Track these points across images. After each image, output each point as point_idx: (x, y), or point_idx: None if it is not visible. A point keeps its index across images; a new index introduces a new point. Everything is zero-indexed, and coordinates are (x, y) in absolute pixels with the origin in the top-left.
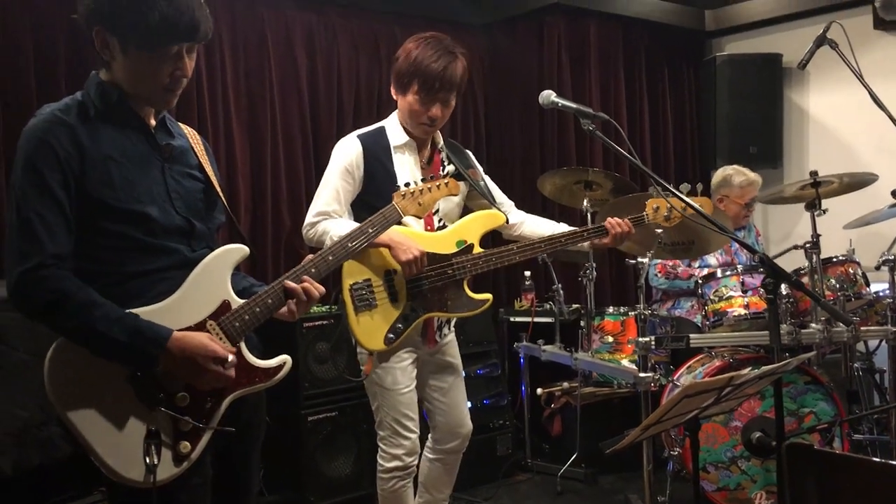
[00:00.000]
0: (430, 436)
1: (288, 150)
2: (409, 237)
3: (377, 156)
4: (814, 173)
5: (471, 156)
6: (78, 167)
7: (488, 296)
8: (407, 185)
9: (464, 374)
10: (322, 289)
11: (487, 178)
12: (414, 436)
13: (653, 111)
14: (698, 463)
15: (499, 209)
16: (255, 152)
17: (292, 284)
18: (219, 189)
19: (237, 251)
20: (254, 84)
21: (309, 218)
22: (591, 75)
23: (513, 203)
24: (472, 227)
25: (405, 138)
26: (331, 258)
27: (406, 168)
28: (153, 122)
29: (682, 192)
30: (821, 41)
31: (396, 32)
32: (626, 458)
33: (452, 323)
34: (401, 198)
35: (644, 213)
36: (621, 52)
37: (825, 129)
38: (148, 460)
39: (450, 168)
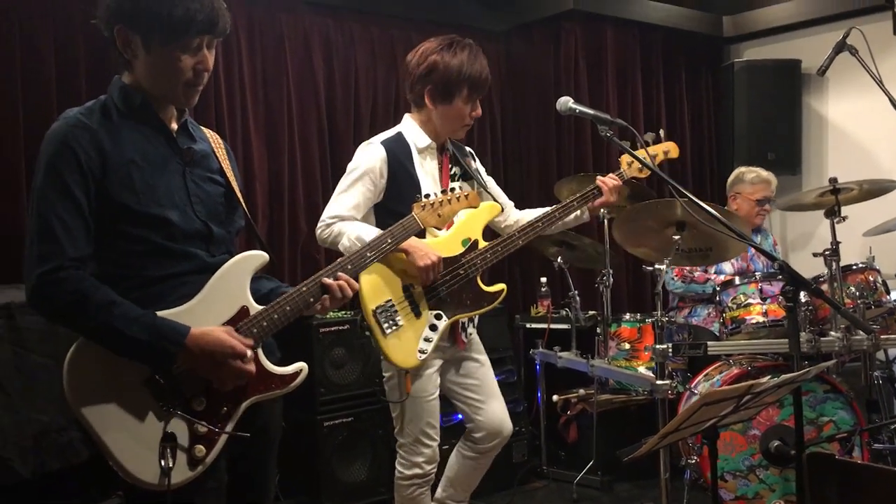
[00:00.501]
0: (466, 433)
1: (305, 155)
2: (425, 244)
3: (401, 161)
4: (833, 180)
5: (467, 149)
6: (99, 171)
7: (502, 286)
8: (427, 196)
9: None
10: (356, 286)
11: (490, 178)
12: (435, 444)
13: (670, 117)
14: (717, 471)
15: (495, 199)
16: (272, 157)
17: (329, 280)
18: (239, 194)
19: (257, 258)
20: (271, 88)
21: (324, 218)
22: (607, 81)
23: (512, 204)
24: (473, 224)
25: (428, 141)
26: (350, 267)
27: (426, 172)
28: (175, 126)
29: (648, 141)
30: (840, 47)
31: (413, 38)
32: (642, 466)
33: (476, 321)
34: (420, 209)
35: (621, 170)
36: (638, 58)
37: (844, 135)
38: (163, 463)
39: (456, 169)
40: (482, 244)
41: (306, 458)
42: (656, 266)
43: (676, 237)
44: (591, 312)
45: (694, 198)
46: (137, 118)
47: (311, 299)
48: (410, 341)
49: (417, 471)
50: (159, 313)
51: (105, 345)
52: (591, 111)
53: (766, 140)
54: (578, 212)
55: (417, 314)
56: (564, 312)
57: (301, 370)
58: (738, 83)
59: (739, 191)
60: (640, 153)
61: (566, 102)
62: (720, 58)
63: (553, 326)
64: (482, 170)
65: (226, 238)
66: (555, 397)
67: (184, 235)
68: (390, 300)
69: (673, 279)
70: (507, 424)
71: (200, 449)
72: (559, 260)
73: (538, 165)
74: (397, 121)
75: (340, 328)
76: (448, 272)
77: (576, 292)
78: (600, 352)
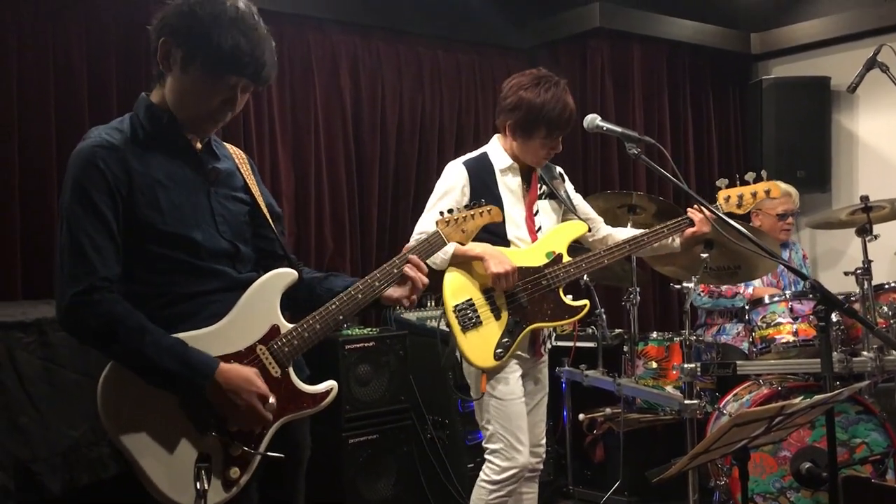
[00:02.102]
0: None
1: (331, 171)
2: (501, 252)
3: (483, 180)
4: (865, 198)
5: (557, 170)
6: (126, 191)
7: (586, 301)
8: (450, 211)
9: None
10: (426, 280)
11: (578, 196)
12: (526, 450)
13: (697, 135)
14: (747, 493)
15: (580, 219)
16: (298, 173)
17: (407, 269)
18: (265, 210)
19: (287, 276)
20: (299, 106)
21: (413, 234)
22: (634, 99)
23: (602, 219)
24: (558, 238)
25: (509, 161)
26: (377, 284)
27: (509, 190)
28: (199, 146)
29: (749, 180)
30: (871, 64)
31: (439, 56)
32: (670, 486)
33: (553, 338)
34: (444, 224)
35: (716, 203)
36: (665, 76)
37: (875, 153)
38: (198, 485)
39: (544, 188)
40: (566, 259)
41: (331, 475)
42: (684, 284)
43: (704, 255)
44: (617, 330)
45: (724, 216)
46: (163, 137)
47: (341, 317)
48: (488, 341)
49: (509, 474)
50: (194, 333)
51: (134, 370)
52: (618, 128)
53: (796, 158)
54: (669, 239)
55: (497, 316)
56: (590, 330)
57: (331, 388)
58: (767, 100)
59: (760, 207)
60: (738, 190)
61: (593, 120)
62: (748, 75)
63: (579, 344)
64: (571, 189)
65: (252, 256)
66: (581, 416)
67: (210, 254)
68: (471, 299)
69: (700, 295)
70: (544, 444)
71: (235, 471)
72: (585, 277)
73: None
74: (423, 138)
75: (366, 345)
76: (529, 281)
77: (602, 310)
78: (627, 370)
